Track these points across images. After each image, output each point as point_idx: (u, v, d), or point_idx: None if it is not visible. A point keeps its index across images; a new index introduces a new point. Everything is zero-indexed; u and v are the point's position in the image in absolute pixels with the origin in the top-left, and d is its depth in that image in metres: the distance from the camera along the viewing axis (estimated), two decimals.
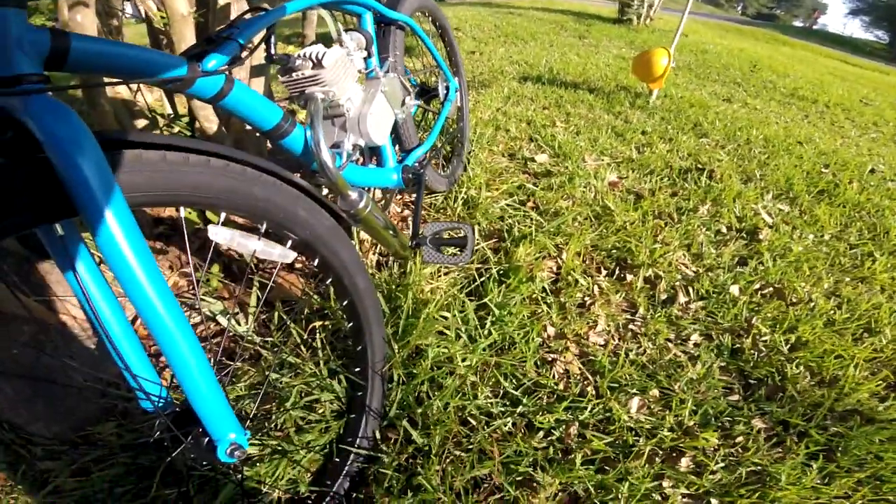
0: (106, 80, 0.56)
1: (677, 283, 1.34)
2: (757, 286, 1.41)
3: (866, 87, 5.82)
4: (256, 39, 0.66)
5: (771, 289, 1.41)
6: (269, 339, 1.05)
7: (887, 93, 5.77)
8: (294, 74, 0.77)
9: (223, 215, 0.59)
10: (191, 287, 1.23)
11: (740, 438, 0.97)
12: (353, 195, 0.79)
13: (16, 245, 1.01)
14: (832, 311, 1.36)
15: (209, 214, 1.22)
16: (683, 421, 0.98)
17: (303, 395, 0.94)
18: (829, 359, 1.18)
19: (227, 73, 0.59)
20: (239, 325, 1.12)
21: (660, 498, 0.86)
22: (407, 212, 1.52)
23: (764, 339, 1.23)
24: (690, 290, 1.33)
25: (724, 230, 1.66)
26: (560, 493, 0.86)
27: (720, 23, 14.14)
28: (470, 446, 0.90)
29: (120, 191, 0.41)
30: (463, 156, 1.72)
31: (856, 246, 1.74)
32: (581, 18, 6.82)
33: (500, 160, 1.86)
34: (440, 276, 1.19)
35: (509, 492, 0.83)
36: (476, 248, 1.28)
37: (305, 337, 1.02)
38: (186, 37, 1.06)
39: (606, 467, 0.89)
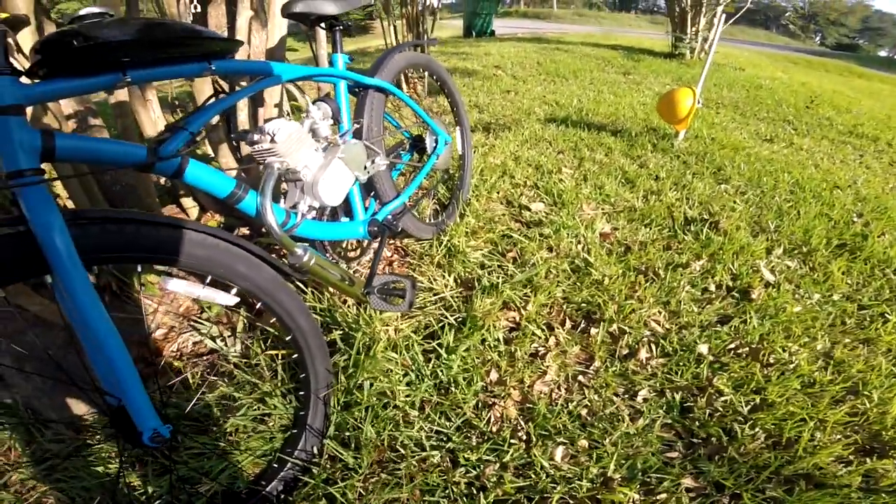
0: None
1: (643, 339, 1.37)
2: (732, 346, 1.39)
3: None
4: (213, 121, 0.84)
5: (746, 349, 1.39)
6: (245, 359, 1.22)
7: None
8: (255, 147, 0.94)
9: (175, 270, 0.77)
10: (200, 312, 1.44)
11: (664, 496, 0.98)
12: (299, 251, 0.94)
13: None
14: (815, 373, 1.31)
15: None
16: (608, 473, 1.01)
17: (254, 408, 1.10)
18: (791, 421, 1.15)
19: (181, 155, 0.77)
20: (227, 346, 1.30)
21: None
22: (396, 255, 1.66)
23: (723, 399, 1.22)
24: (655, 346, 1.35)
25: (713, 288, 1.64)
26: None
27: (790, 55, 13.34)
28: (397, 471, 1.00)
29: (76, 254, 0.60)
30: (459, 204, 1.83)
31: (868, 307, 1.66)
32: (631, 53, 6.79)
33: (497, 207, 1.95)
34: (405, 320, 1.31)
35: None
36: (442, 296, 1.39)
37: (269, 361, 1.18)
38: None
39: None
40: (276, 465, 1.01)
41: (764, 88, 5.19)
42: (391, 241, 1.70)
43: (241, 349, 1.29)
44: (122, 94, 1.36)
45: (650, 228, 1.91)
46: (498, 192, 2.06)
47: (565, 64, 5.59)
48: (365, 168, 1.18)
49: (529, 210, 1.93)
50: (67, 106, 1.25)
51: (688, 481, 1.02)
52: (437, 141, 1.63)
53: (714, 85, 5.22)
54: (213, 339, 1.32)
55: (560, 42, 8.53)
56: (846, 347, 1.44)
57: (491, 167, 2.23)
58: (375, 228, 1.21)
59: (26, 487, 1.02)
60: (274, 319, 0.93)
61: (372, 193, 1.36)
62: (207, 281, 0.80)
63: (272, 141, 0.93)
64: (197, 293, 0.82)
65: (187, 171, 0.78)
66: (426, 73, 1.69)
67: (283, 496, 0.98)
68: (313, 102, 1.09)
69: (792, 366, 1.34)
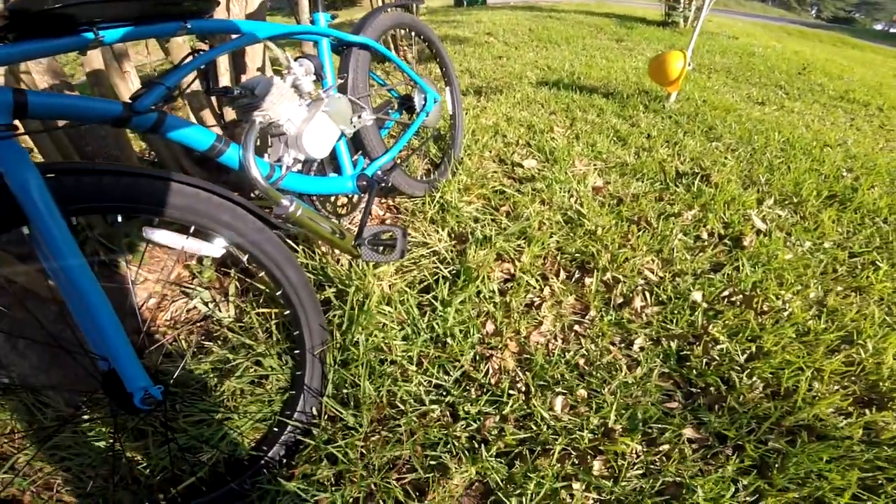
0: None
1: (638, 288, 1.37)
2: (725, 293, 1.40)
3: None
4: (188, 80, 0.81)
5: (740, 296, 1.40)
6: (239, 323, 1.21)
7: None
8: (237, 102, 0.91)
9: (156, 220, 0.75)
10: (192, 277, 1.42)
11: (666, 447, 0.98)
12: (285, 202, 0.92)
13: None
14: (809, 321, 1.32)
15: None
16: (608, 424, 1.01)
17: (251, 371, 1.09)
18: (788, 370, 1.16)
19: (157, 110, 0.74)
20: (220, 311, 1.28)
21: (568, 498, 0.90)
22: (388, 213, 1.64)
23: (719, 347, 1.23)
24: (649, 295, 1.35)
25: (705, 236, 1.64)
26: (476, 483, 0.93)
27: (785, 25, 13.23)
28: (398, 427, 1.00)
29: (52, 203, 0.59)
30: (451, 162, 1.81)
31: (858, 254, 1.66)
32: (624, 21, 6.67)
33: (490, 165, 1.93)
34: (398, 274, 1.30)
35: (421, 474, 0.92)
36: (434, 249, 1.38)
37: (262, 322, 1.17)
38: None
39: (518, 462, 0.95)
40: (276, 429, 1.00)
41: (757, 56, 5.12)
42: (383, 200, 1.68)
43: (236, 313, 1.28)
44: (97, 62, 1.31)
45: (642, 182, 1.91)
46: (490, 151, 2.04)
47: (557, 31, 5.48)
48: (351, 122, 1.15)
49: (522, 167, 1.91)
50: (42, 81, 1.20)
51: (689, 432, 1.02)
52: (425, 99, 1.60)
53: (707, 51, 5.15)
54: (205, 304, 1.31)
55: (553, 10, 8.34)
56: (838, 295, 1.45)
57: (483, 128, 2.20)
58: (364, 183, 1.19)
59: (33, 469, 1.00)
60: (263, 273, 0.92)
61: (360, 151, 1.34)
62: (191, 231, 0.79)
63: (253, 94, 0.90)
64: (181, 244, 0.80)
65: (165, 124, 0.76)
66: (414, 35, 1.64)
67: (285, 460, 0.98)
68: (295, 59, 1.05)
69: (786, 313, 1.35)
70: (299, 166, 1.01)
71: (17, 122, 0.57)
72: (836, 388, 1.15)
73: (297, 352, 1.02)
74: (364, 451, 0.97)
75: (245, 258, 0.87)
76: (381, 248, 1.13)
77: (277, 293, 0.94)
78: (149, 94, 0.72)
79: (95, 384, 0.76)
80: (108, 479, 0.97)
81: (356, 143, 1.32)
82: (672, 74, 2.60)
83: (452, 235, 1.48)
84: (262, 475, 0.95)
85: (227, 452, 0.99)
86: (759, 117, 2.87)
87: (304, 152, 0.97)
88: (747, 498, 0.90)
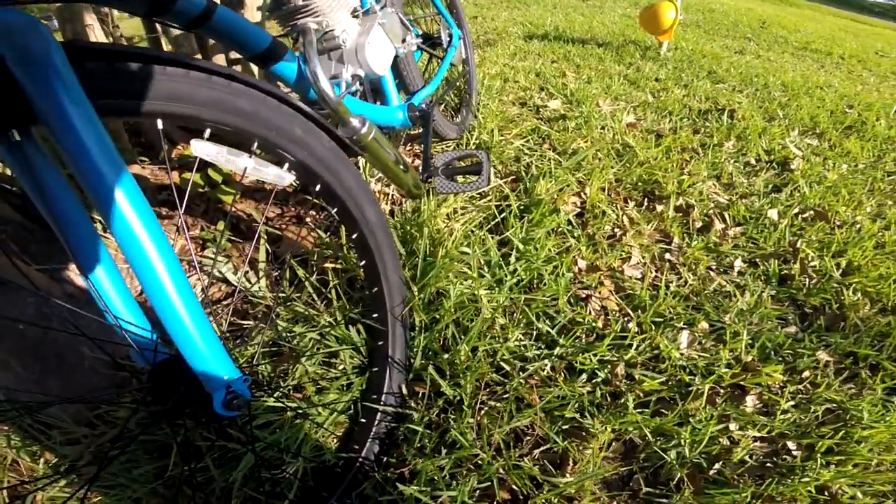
0: None
1: (711, 211, 1.26)
2: (796, 210, 1.31)
3: (880, 42, 5.60)
4: None
5: (812, 212, 1.32)
6: (282, 293, 0.99)
7: None
8: (284, 7, 0.71)
9: (208, 130, 0.54)
10: (198, 249, 1.17)
11: (807, 373, 0.88)
12: (356, 122, 0.72)
13: (13, 213, 0.96)
14: (880, 234, 1.26)
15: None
16: (741, 356, 0.89)
17: (319, 348, 0.87)
18: (885, 284, 1.08)
19: None
20: (250, 283, 1.06)
21: (728, 443, 0.78)
22: (417, 161, 1.45)
23: (812, 264, 1.13)
24: (726, 216, 1.24)
25: (752, 162, 1.57)
26: (614, 443, 0.78)
27: None
28: (505, 395, 0.81)
29: (87, 99, 0.37)
30: (472, 105, 1.65)
31: (892, 173, 1.63)
32: None
33: (512, 108, 1.78)
34: (457, 216, 1.12)
35: (557, 442, 0.75)
36: (492, 178, 1.20)
37: (319, 287, 0.95)
38: None
39: (663, 410, 0.81)
40: (363, 420, 0.79)
41: (717, 12, 5.21)
42: (408, 146, 1.48)
43: (268, 284, 1.06)
44: None
45: (671, 118, 1.81)
46: (507, 96, 1.88)
47: None
48: (403, 41, 0.96)
49: (547, 108, 1.76)
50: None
51: (823, 355, 0.92)
52: (450, 35, 1.42)
53: None
54: (224, 280, 1.08)
55: None
56: (893, 208, 1.40)
57: (490, 76, 2.04)
58: (416, 113, 1.00)
59: None
60: (335, 210, 0.71)
61: (396, 81, 1.15)
62: (254, 147, 0.58)
63: None
64: (241, 163, 0.59)
65: (214, 17, 0.55)
66: None
67: (383, 457, 0.77)
68: None
69: (857, 227, 1.28)
70: (356, 86, 0.81)
71: None
72: None
73: (375, 315, 0.80)
74: (478, 429, 0.79)
75: (317, 188, 0.67)
76: (459, 176, 0.94)
77: (353, 235, 0.73)
78: None
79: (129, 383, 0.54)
80: None
81: (393, 73, 1.13)
82: (665, 24, 2.56)
83: (501, 175, 1.31)
84: (363, 481, 0.74)
85: (311, 459, 0.77)
86: (747, 64, 2.87)
87: (365, 67, 0.79)
88: None
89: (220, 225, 1.15)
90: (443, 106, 1.76)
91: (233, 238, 1.16)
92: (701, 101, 2.07)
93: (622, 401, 0.80)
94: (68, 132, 0.36)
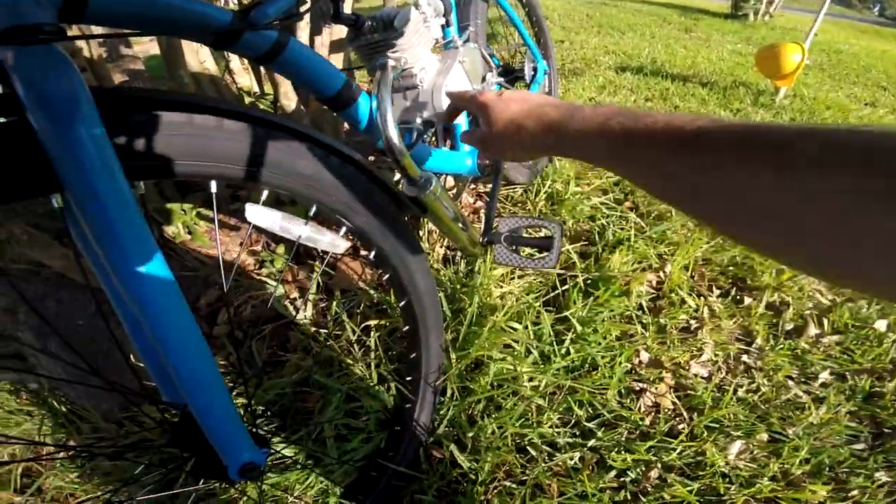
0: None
1: (807, 313, 1.10)
2: None
3: None
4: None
5: None
6: (323, 329, 0.98)
7: None
8: (363, 38, 0.67)
9: (265, 193, 0.51)
10: (257, 265, 1.19)
11: (856, 492, 0.77)
12: (422, 180, 0.68)
13: None
14: None
15: None
16: (790, 470, 0.79)
17: (345, 399, 0.86)
18: None
19: (278, 28, 0.50)
20: (297, 312, 1.06)
21: None
22: (480, 203, 1.39)
23: None
24: (824, 321, 1.08)
25: None
26: None
27: (853, 23, 12.42)
28: (524, 478, 0.77)
29: (117, 164, 0.34)
30: None
31: None
32: (687, 12, 6.21)
33: None
34: (513, 278, 1.05)
35: None
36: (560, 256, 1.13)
37: (359, 334, 0.93)
38: None
39: None
40: (374, 474, 0.78)
41: (844, 53, 4.66)
42: (472, 185, 1.42)
43: (313, 315, 1.05)
44: None
45: None
46: None
47: (618, 18, 5.10)
48: (483, 80, 0.90)
49: None
50: None
51: (883, 476, 0.81)
52: (535, 69, 1.34)
53: None
54: (278, 301, 1.08)
55: None
56: None
57: None
58: (486, 162, 0.95)
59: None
60: (386, 277, 0.68)
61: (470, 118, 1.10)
62: (312, 213, 0.55)
63: (390, 28, 0.66)
64: (297, 231, 0.57)
65: (285, 53, 0.50)
66: None
67: None
68: None
69: None
70: (429, 134, 0.76)
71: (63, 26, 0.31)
72: None
73: (408, 378, 0.78)
74: None
75: (371, 254, 0.63)
76: (523, 248, 0.88)
77: (400, 303, 0.70)
78: (271, 4, 0.47)
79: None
80: None
81: None
82: (787, 68, 2.28)
83: (570, 234, 1.22)
84: None
85: (312, 501, 0.77)
86: (881, 119, 2.52)
87: (439, 110, 0.74)
88: None
89: (280, 249, 1.16)
90: None
91: (290, 262, 1.16)
92: None
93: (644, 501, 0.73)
94: (92, 202, 0.33)
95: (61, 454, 0.88)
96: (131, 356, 0.62)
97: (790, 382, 0.95)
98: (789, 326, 1.05)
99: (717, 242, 1.20)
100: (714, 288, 1.12)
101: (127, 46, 1.29)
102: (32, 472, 0.88)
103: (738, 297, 1.11)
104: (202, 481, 0.67)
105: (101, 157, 0.32)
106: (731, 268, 1.16)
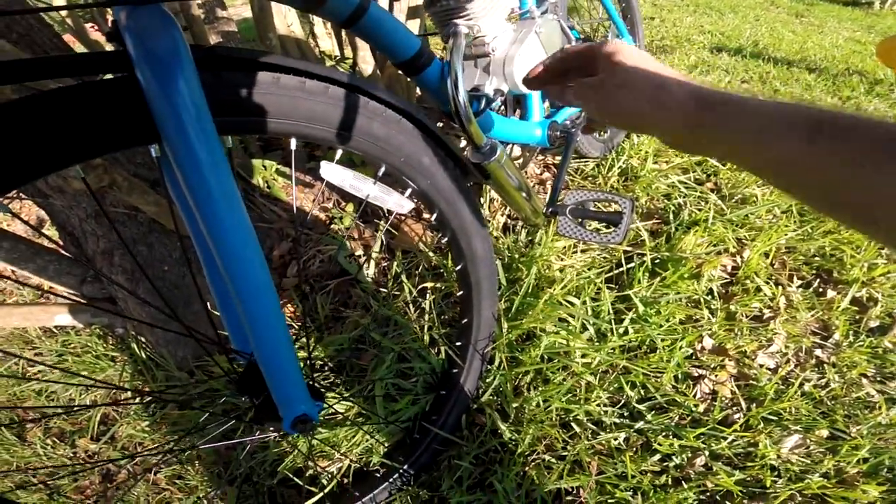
0: None
1: None
2: None
3: None
4: None
5: None
6: (383, 288, 1.02)
7: None
8: (439, 4, 0.68)
9: (339, 152, 0.54)
10: (328, 221, 1.25)
11: None
12: (487, 147, 0.69)
13: None
14: None
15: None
16: (844, 469, 0.74)
17: (397, 359, 0.90)
18: None
19: None
20: (360, 269, 1.11)
21: None
22: (547, 174, 1.37)
23: None
24: None
25: None
26: None
27: None
28: (564, 454, 0.78)
29: (210, 118, 0.36)
30: None
31: None
32: None
33: None
34: (575, 252, 1.03)
35: None
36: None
37: (415, 295, 0.96)
38: None
39: None
40: (417, 436, 0.81)
41: None
42: (541, 156, 1.40)
43: (375, 274, 1.10)
44: None
45: None
46: None
47: None
48: None
49: None
50: None
51: None
52: None
53: None
54: (345, 258, 1.14)
55: None
56: None
57: None
58: (557, 133, 0.93)
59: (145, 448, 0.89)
60: (445, 239, 0.70)
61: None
62: (381, 172, 0.58)
63: None
64: (366, 190, 0.60)
65: (366, 17, 0.52)
66: None
67: (422, 475, 0.79)
68: None
69: None
70: (499, 103, 0.76)
71: None
72: None
73: (458, 343, 0.80)
74: (519, 480, 0.76)
75: (433, 216, 0.65)
76: (590, 221, 0.86)
77: (457, 267, 0.72)
78: None
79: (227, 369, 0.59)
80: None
81: None
82: None
83: (641, 212, 1.17)
84: (395, 492, 0.78)
85: (357, 461, 0.82)
86: None
87: (510, 81, 0.73)
88: None
89: (350, 207, 1.21)
90: None
91: (357, 220, 1.22)
92: None
93: (684, 487, 0.72)
94: (186, 153, 0.35)
95: (136, 400, 0.98)
96: (208, 304, 0.68)
97: (864, 381, 0.87)
98: (874, 324, 0.96)
99: (805, 230, 1.10)
100: (795, 278, 1.03)
101: (222, 9, 1.38)
102: (108, 419, 0.97)
103: (821, 290, 1.02)
104: (258, 432, 0.75)
105: (196, 111, 0.35)
106: (816, 258, 1.07)
